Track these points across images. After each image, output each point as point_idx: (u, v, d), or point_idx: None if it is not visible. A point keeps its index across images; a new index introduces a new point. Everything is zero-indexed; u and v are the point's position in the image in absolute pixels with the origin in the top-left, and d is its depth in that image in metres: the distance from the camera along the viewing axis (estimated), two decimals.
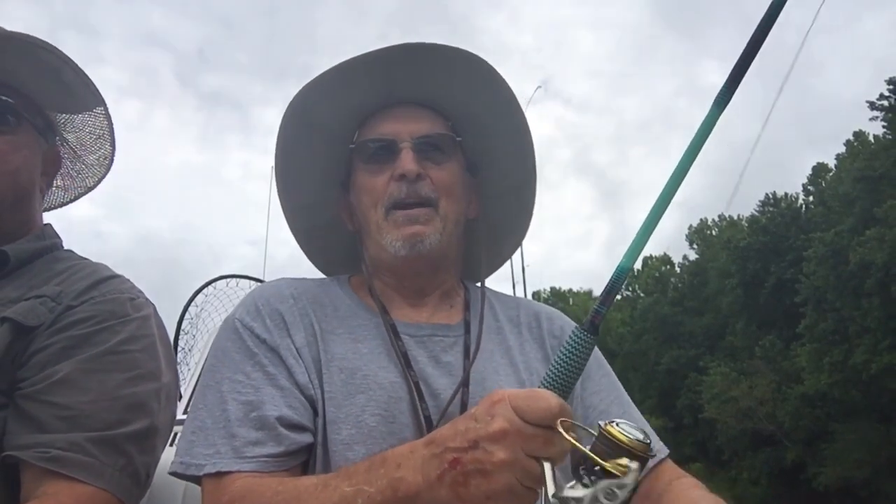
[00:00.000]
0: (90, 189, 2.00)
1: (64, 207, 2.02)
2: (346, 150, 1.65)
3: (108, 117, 1.84)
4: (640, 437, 0.97)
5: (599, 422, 1.00)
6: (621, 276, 1.06)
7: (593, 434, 1.00)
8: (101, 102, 1.80)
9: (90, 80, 1.74)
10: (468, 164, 1.67)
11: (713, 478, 43.34)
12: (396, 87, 1.58)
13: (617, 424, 0.98)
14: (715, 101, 1.02)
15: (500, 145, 1.68)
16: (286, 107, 1.59)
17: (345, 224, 1.70)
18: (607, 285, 1.07)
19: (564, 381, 1.07)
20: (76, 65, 1.70)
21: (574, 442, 0.98)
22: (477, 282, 1.79)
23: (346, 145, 1.64)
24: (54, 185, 1.95)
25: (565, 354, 1.08)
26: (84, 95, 1.77)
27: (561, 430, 0.98)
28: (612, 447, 0.96)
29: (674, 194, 1.04)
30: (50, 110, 1.78)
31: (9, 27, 1.63)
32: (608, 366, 1.70)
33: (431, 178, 1.54)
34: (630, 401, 1.66)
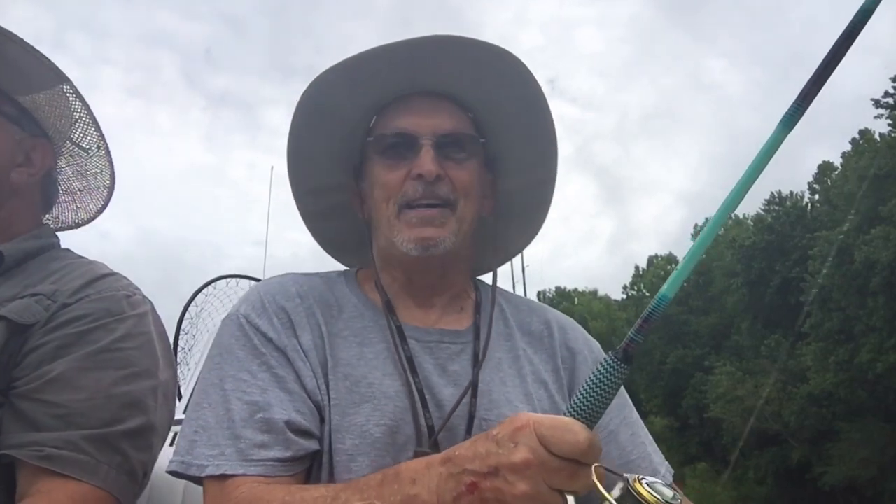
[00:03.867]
0: (110, 189, 1.92)
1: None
2: (360, 137, 1.60)
3: (78, 96, 1.73)
4: (670, 497, 0.92)
5: (628, 475, 0.95)
6: (660, 304, 0.97)
7: (624, 478, 0.96)
8: (64, 79, 1.68)
9: (40, 53, 1.62)
10: (487, 160, 1.61)
11: (719, 477, 43.30)
12: (417, 77, 1.51)
13: (647, 484, 0.93)
14: (782, 120, 0.90)
15: (523, 143, 1.61)
16: (303, 91, 1.52)
17: (356, 210, 1.65)
18: (645, 312, 0.98)
19: (593, 411, 0.99)
20: (19, 37, 1.59)
21: (605, 494, 0.93)
22: (483, 274, 1.74)
23: (361, 132, 1.59)
24: (75, 187, 1.91)
25: (595, 383, 0.99)
26: (36, 71, 1.65)
27: (595, 479, 0.94)
28: None
29: (724, 221, 0.96)
30: (13, 94, 1.67)
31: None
32: None
33: (451, 179, 1.48)
34: (638, 420, 1.60)
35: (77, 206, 1.94)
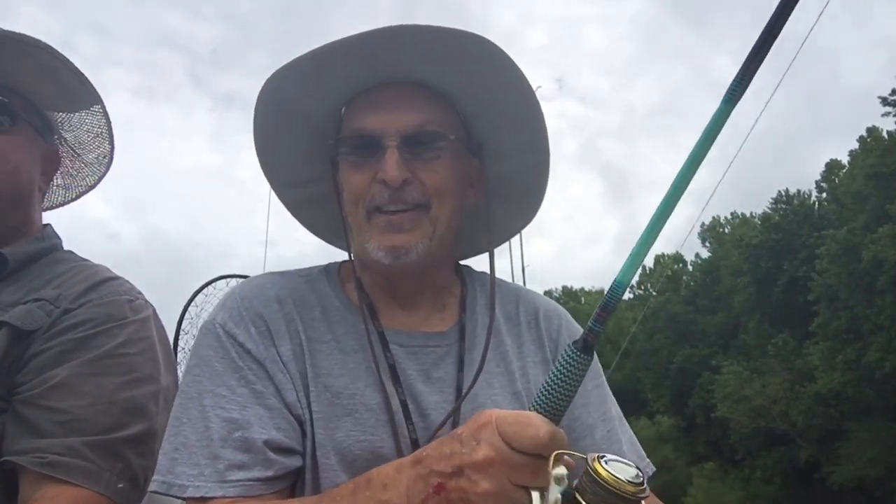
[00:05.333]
0: (91, 187, 1.99)
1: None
2: (331, 128, 1.52)
3: (105, 115, 1.82)
4: (631, 475, 0.92)
5: (588, 455, 0.95)
6: (617, 291, 0.97)
7: (583, 457, 0.97)
8: (99, 100, 1.79)
9: (87, 78, 1.73)
10: (470, 146, 1.51)
11: (726, 477, 43.17)
12: (380, 68, 1.40)
13: (606, 462, 0.93)
14: (724, 97, 0.91)
15: (508, 123, 1.51)
16: (258, 93, 1.45)
17: (336, 202, 1.55)
18: (602, 301, 0.98)
19: (556, 404, 0.99)
20: (73, 64, 1.69)
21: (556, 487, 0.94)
22: (476, 255, 1.69)
23: (332, 123, 1.52)
24: (54, 184, 1.95)
25: (557, 376, 1.00)
26: (81, 94, 1.76)
27: (550, 471, 0.94)
28: (598, 487, 0.91)
29: (676, 202, 0.96)
30: (48, 110, 1.77)
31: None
32: (602, 377, 1.59)
33: (421, 180, 1.39)
34: (618, 416, 1.57)
35: (42, 197, 1.95)
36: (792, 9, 0.88)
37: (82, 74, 1.72)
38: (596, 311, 0.99)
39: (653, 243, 0.97)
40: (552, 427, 0.97)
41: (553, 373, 1.01)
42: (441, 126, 1.44)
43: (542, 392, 1.01)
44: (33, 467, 1.35)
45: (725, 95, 0.91)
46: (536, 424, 0.96)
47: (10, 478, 1.39)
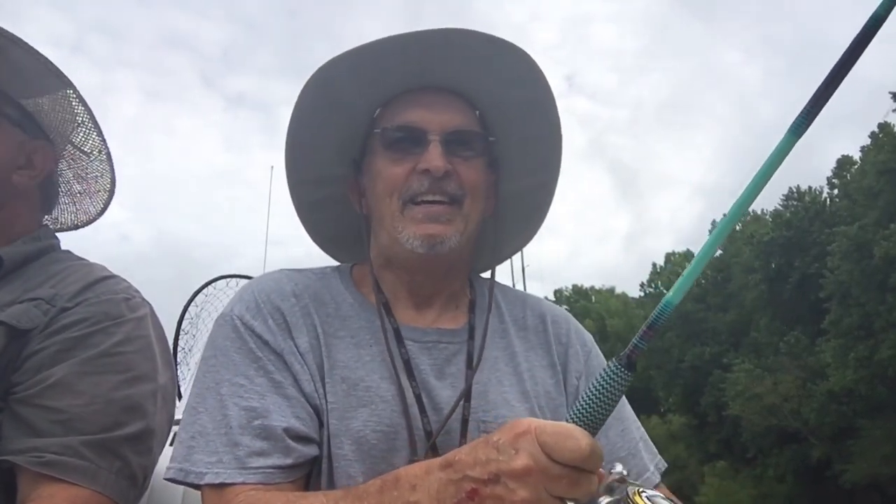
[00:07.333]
0: (110, 191, 1.91)
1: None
2: (364, 128, 1.56)
3: (81, 101, 1.73)
4: None
5: (629, 489, 0.96)
6: (665, 310, 0.96)
7: (624, 489, 0.97)
8: (68, 85, 1.69)
9: (49, 61, 1.63)
10: (490, 161, 1.58)
11: (738, 475, 43.06)
12: (428, 72, 1.49)
13: (648, 498, 0.93)
14: (791, 128, 0.89)
15: (529, 146, 1.59)
16: (309, 76, 1.48)
17: (352, 204, 1.61)
18: (649, 318, 0.97)
19: (595, 417, 0.99)
20: (27, 44, 1.60)
21: None
22: (479, 273, 1.71)
23: (365, 123, 1.56)
24: (74, 190, 1.90)
25: (598, 389, 0.99)
26: (43, 77, 1.67)
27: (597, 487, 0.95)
28: None
29: (732, 227, 0.97)
30: (17, 97, 1.68)
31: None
32: None
33: (459, 175, 1.45)
34: (631, 415, 1.58)
35: (77, 209, 1.93)
36: (869, 41, 0.86)
37: (42, 55, 1.62)
38: (642, 330, 0.98)
39: (704, 265, 0.98)
40: (592, 440, 0.97)
41: (594, 385, 1.00)
42: (479, 129, 1.53)
43: (581, 404, 1.00)
44: (31, 466, 1.34)
45: (791, 126, 0.89)
46: (577, 437, 0.96)
47: (8, 477, 1.38)
